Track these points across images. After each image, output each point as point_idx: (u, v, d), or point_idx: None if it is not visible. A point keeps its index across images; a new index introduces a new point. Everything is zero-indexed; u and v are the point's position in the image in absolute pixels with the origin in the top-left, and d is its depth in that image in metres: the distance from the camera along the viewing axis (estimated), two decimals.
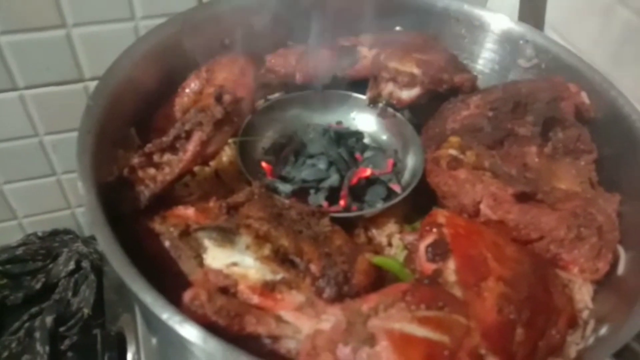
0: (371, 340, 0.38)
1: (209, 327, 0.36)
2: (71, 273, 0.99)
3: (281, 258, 0.43)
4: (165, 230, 0.45)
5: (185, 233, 0.45)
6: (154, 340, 0.58)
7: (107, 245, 0.39)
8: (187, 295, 0.39)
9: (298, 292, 0.41)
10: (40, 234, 1.03)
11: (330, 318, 0.40)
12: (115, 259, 0.38)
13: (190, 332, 0.35)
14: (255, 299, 0.41)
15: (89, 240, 1.04)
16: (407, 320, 0.39)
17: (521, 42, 0.64)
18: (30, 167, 0.93)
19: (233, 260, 0.43)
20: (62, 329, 0.92)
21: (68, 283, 0.97)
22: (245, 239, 0.43)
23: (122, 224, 0.45)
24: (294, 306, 0.41)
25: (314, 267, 0.42)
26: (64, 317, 0.94)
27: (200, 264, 0.44)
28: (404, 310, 0.40)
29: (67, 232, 1.04)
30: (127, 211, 0.46)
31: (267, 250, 0.42)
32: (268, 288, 0.41)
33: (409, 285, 0.42)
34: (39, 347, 0.89)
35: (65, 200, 1.01)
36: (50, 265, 1.00)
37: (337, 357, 0.38)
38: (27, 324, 0.93)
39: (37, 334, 0.91)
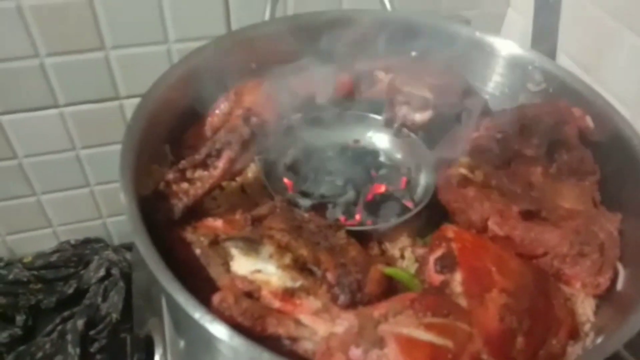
0: (380, 343, 0.41)
1: (235, 327, 0.41)
2: (101, 279, 1.04)
3: (300, 267, 0.47)
4: (196, 239, 0.49)
5: (214, 242, 0.49)
6: (181, 343, 0.62)
7: (146, 250, 0.44)
8: (216, 298, 0.43)
9: (315, 298, 0.45)
10: (73, 242, 1.09)
11: (344, 322, 0.44)
12: (153, 262, 0.42)
13: (219, 330, 0.39)
14: (277, 304, 0.45)
15: (119, 249, 1.10)
16: (414, 325, 0.43)
17: (530, 67, 0.68)
18: (66, 179, 0.99)
19: (257, 268, 0.47)
20: (92, 332, 0.98)
21: (98, 289, 1.03)
22: (268, 248, 0.47)
23: (157, 232, 0.49)
24: (312, 311, 0.45)
25: (330, 276, 0.46)
26: (94, 321, 0.99)
27: (227, 270, 0.48)
28: (412, 316, 0.43)
29: (98, 240, 1.10)
30: (162, 221, 0.51)
31: (288, 259, 0.47)
32: (288, 294, 0.45)
33: (417, 295, 0.46)
34: (70, 349, 0.95)
35: (97, 210, 1.07)
36: (82, 272, 1.06)
37: (350, 357, 0.41)
38: (59, 327, 0.98)
39: (69, 337, 0.96)
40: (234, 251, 0.48)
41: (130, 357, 0.81)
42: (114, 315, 1.00)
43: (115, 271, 1.04)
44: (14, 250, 1.06)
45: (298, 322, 0.44)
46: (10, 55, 0.80)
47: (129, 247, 1.10)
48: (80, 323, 0.97)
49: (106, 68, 0.86)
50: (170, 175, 0.52)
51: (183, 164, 0.53)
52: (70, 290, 1.03)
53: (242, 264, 0.47)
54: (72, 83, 0.86)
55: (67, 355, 0.94)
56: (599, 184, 0.60)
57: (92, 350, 0.96)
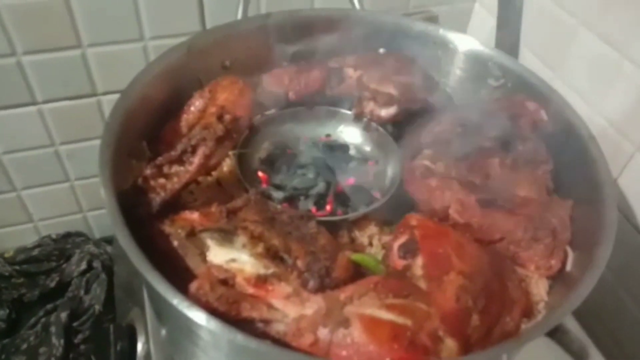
0: (346, 323, 0.45)
1: (211, 312, 0.44)
2: (83, 272, 1.06)
3: (272, 255, 0.50)
4: (174, 231, 0.52)
5: (191, 234, 0.52)
6: (162, 331, 0.65)
7: (126, 243, 0.46)
8: (193, 286, 0.46)
9: (286, 284, 0.49)
10: (54, 236, 1.10)
11: (313, 305, 0.47)
12: (133, 254, 0.45)
13: (196, 315, 0.42)
14: (250, 289, 0.48)
15: (100, 242, 1.11)
16: (376, 306, 0.46)
17: (489, 63, 0.72)
18: (46, 174, 1.00)
19: (232, 257, 0.50)
20: (75, 323, 1.00)
21: (80, 282, 1.05)
22: (242, 238, 0.50)
23: (136, 226, 0.52)
24: (283, 295, 0.48)
25: (300, 263, 0.50)
26: (77, 313, 1.01)
27: (204, 260, 0.51)
28: (375, 298, 0.47)
29: (79, 234, 1.11)
30: (141, 215, 0.53)
31: (260, 248, 0.50)
32: (261, 280, 0.48)
33: (380, 278, 0.50)
34: (54, 340, 0.97)
35: (77, 204, 1.08)
36: (64, 265, 1.07)
37: (318, 337, 0.45)
38: (43, 319, 1.00)
39: (53, 329, 0.98)
40: (210, 242, 0.51)
41: (113, 346, 0.84)
42: (97, 307, 1.02)
43: (96, 264, 1.06)
44: None
45: (270, 306, 0.47)
46: None
47: (110, 241, 1.12)
48: (63, 315, 0.99)
49: (83, 65, 0.87)
50: (148, 171, 0.55)
51: (160, 160, 0.56)
52: (53, 284, 1.05)
53: (218, 254, 0.51)
54: (49, 80, 0.87)
55: (51, 346, 0.96)
56: (552, 173, 0.64)
57: (76, 341, 0.98)
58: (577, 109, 0.79)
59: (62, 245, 1.09)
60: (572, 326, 0.59)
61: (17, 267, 1.05)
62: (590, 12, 0.77)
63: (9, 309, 1.02)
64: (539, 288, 0.59)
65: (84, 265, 1.06)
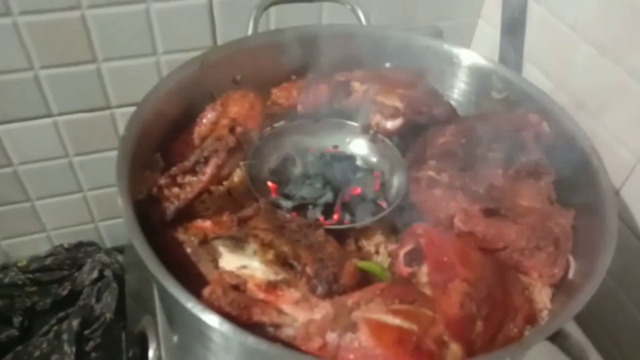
0: (353, 328, 0.46)
1: (223, 316, 0.46)
2: (95, 281, 1.08)
3: (282, 262, 0.52)
4: (187, 239, 0.54)
5: (204, 241, 0.54)
6: (174, 338, 0.67)
7: (142, 249, 0.48)
8: (206, 291, 0.48)
9: (295, 290, 0.50)
10: (66, 245, 1.12)
11: (321, 310, 0.49)
12: (149, 260, 0.47)
13: (209, 318, 0.44)
14: (261, 295, 0.50)
15: (111, 252, 1.14)
16: (383, 311, 0.48)
17: (493, 77, 0.74)
18: (59, 185, 1.03)
19: (243, 264, 0.52)
20: (87, 331, 1.02)
21: (92, 290, 1.07)
22: (252, 246, 0.52)
23: (151, 234, 0.54)
24: (292, 301, 0.50)
25: (309, 269, 0.51)
26: (89, 321, 1.03)
27: (216, 267, 0.53)
28: (381, 304, 0.49)
29: (91, 244, 1.14)
30: (156, 223, 0.56)
31: (270, 255, 0.52)
32: (271, 286, 0.50)
33: (386, 284, 0.52)
34: (66, 347, 0.99)
35: (89, 214, 1.11)
36: (76, 274, 1.10)
37: (326, 341, 0.46)
38: (55, 327, 1.02)
39: (65, 336, 1.00)
40: (222, 249, 0.53)
41: (125, 353, 0.86)
42: (108, 315, 1.04)
43: (107, 273, 1.08)
44: (9, 254, 1.10)
45: (280, 311, 0.49)
46: (6, 68, 0.84)
47: (121, 250, 1.15)
48: (75, 323, 1.01)
49: (98, 79, 0.90)
50: (162, 181, 0.57)
51: (174, 170, 0.58)
52: (65, 292, 1.07)
53: (229, 261, 0.52)
54: (65, 94, 0.90)
55: (63, 354, 0.98)
56: (554, 184, 0.66)
57: (87, 349, 1.00)
58: (579, 120, 0.81)
59: (74, 255, 1.11)
60: (573, 330, 0.61)
61: (30, 276, 1.07)
62: (590, 26, 0.79)
63: (22, 316, 1.04)
64: (542, 296, 0.60)
65: (95, 274, 1.08)
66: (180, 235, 0.55)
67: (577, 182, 0.64)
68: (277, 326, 0.48)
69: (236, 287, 0.50)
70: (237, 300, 0.47)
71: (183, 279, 0.48)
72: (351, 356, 0.45)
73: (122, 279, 1.09)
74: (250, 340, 0.42)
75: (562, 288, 0.60)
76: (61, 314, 1.04)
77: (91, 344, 1.01)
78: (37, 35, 0.82)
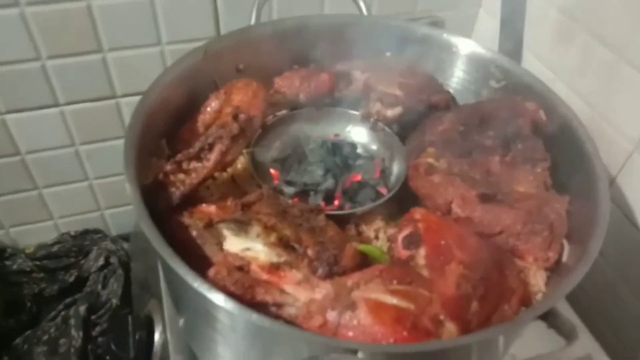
0: (353, 306, 0.48)
1: (228, 295, 0.48)
2: (101, 268, 1.10)
3: (284, 244, 0.54)
4: (193, 223, 0.56)
5: (209, 225, 0.56)
6: (180, 321, 0.69)
7: (150, 232, 0.50)
8: (212, 271, 0.50)
9: (297, 271, 0.52)
10: (73, 233, 1.14)
11: (322, 290, 0.51)
12: (157, 242, 0.49)
13: (215, 296, 0.45)
14: (264, 276, 0.52)
15: (117, 239, 1.16)
16: (381, 291, 0.50)
17: (491, 66, 0.75)
18: (66, 173, 1.05)
19: (247, 246, 0.54)
20: (93, 317, 1.04)
21: (98, 277, 1.09)
22: (256, 229, 0.54)
23: (158, 219, 0.56)
24: (294, 281, 0.51)
25: (310, 252, 0.53)
26: (95, 306, 1.05)
27: (221, 249, 0.54)
28: (380, 284, 0.50)
29: (96, 231, 1.16)
30: (162, 208, 0.57)
31: (273, 238, 0.53)
32: (274, 267, 0.52)
33: (385, 266, 0.53)
34: (73, 332, 1.01)
35: (95, 202, 1.13)
36: (82, 261, 1.12)
37: (327, 319, 0.48)
38: (62, 313, 1.05)
39: (72, 321, 1.02)
40: (226, 232, 0.55)
41: (132, 336, 0.88)
42: (114, 301, 1.06)
43: (113, 260, 1.10)
44: (17, 242, 1.12)
45: (283, 291, 0.51)
46: (14, 58, 0.85)
47: (126, 238, 1.17)
48: (82, 309, 1.03)
49: (103, 69, 0.92)
50: (168, 167, 0.59)
51: (179, 156, 0.60)
52: (72, 279, 1.09)
53: (234, 243, 0.54)
54: (71, 83, 0.91)
55: (70, 338, 1.01)
56: (550, 170, 0.67)
57: (94, 333, 1.02)
58: (578, 109, 0.82)
59: (81, 242, 1.13)
60: (570, 315, 0.63)
61: (37, 263, 1.09)
62: (589, 16, 0.80)
63: (30, 302, 1.06)
64: (537, 279, 0.62)
65: (101, 261, 1.10)
66: (186, 220, 0.56)
67: (572, 168, 0.65)
68: (280, 305, 0.50)
69: (240, 268, 0.52)
70: (241, 280, 0.49)
71: (189, 261, 0.49)
72: (350, 333, 0.47)
73: (128, 266, 1.11)
74: (254, 317, 0.44)
75: (556, 271, 0.61)
76: (68, 300, 1.06)
77: (98, 328, 1.03)
78: (44, 25, 0.84)
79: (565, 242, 0.61)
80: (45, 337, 1.00)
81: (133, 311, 1.02)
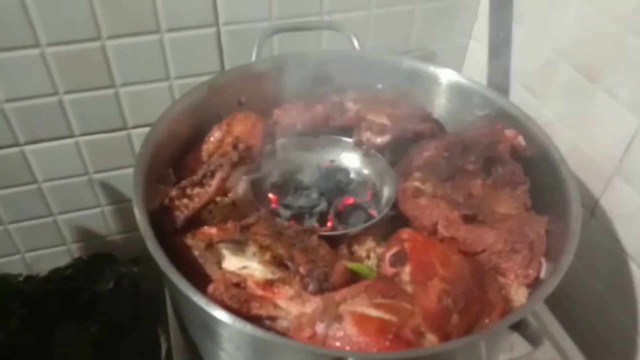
0: (339, 319, 0.53)
1: (225, 309, 0.52)
2: (111, 290, 1.15)
3: (278, 262, 0.58)
4: (195, 243, 0.61)
5: (209, 245, 0.60)
6: (184, 339, 0.73)
7: (155, 252, 0.55)
8: (210, 287, 0.55)
9: (290, 287, 0.57)
10: (85, 257, 1.19)
11: (312, 304, 0.55)
12: (161, 260, 0.54)
13: (213, 309, 0.50)
14: (259, 292, 0.56)
15: (127, 263, 1.21)
16: (366, 305, 0.54)
17: (474, 96, 0.80)
18: (80, 200, 1.10)
19: (244, 265, 0.59)
20: (104, 337, 1.08)
21: (109, 298, 1.14)
22: (252, 248, 0.59)
23: (164, 240, 0.61)
24: (287, 297, 0.56)
25: (302, 269, 0.58)
26: (106, 327, 1.10)
27: (220, 267, 0.59)
28: (365, 298, 0.55)
29: (108, 255, 1.20)
30: (168, 230, 0.62)
31: (268, 256, 0.58)
32: (268, 284, 0.57)
33: (370, 281, 0.58)
34: (85, 352, 1.05)
35: (107, 228, 1.18)
36: (94, 284, 1.17)
37: (315, 330, 0.53)
38: (75, 334, 1.09)
39: (84, 342, 1.06)
40: (225, 252, 0.60)
41: (141, 355, 0.92)
42: (124, 322, 1.10)
43: (124, 283, 1.15)
44: (31, 266, 1.17)
45: (276, 305, 0.55)
46: (34, 93, 0.92)
47: (136, 261, 1.22)
48: (93, 329, 1.08)
49: (116, 102, 0.97)
50: (174, 192, 0.64)
51: (183, 183, 0.65)
52: (84, 301, 1.14)
53: (232, 262, 0.59)
54: (86, 116, 0.97)
55: (83, 358, 1.05)
56: (530, 192, 0.71)
57: (105, 352, 1.06)
58: (562, 135, 0.88)
59: (93, 266, 1.18)
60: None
61: (51, 286, 1.15)
62: (568, 47, 0.86)
63: (44, 323, 1.11)
64: (519, 295, 0.65)
65: (112, 284, 1.15)
66: (189, 241, 0.61)
67: (550, 190, 0.70)
68: (273, 319, 0.55)
69: (237, 285, 0.56)
70: (238, 295, 0.54)
71: (191, 279, 0.54)
72: (337, 344, 0.51)
73: (137, 288, 1.16)
74: (248, 328, 0.49)
75: (536, 287, 0.65)
76: (80, 321, 1.10)
77: (108, 349, 1.07)
78: (62, 63, 0.90)
79: (543, 259, 0.65)
80: (59, 357, 1.05)
81: (141, 331, 1.07)
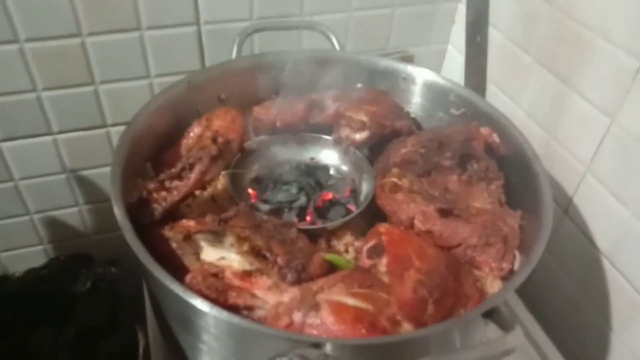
0: (317, 307, 0.53)
1: (203, 298, 0.52)
2: (89, 291, 1.14)
3: (256, 253, 0.59)
4: (173, 235, 0.61)
5: (187, 237, 0.60)
6: (161, 334, 0.73)
7: (134, 244, 0.55)
8: (188, 277, 0.55)
9: (268, 277, 0.57)
10: (62, 257, 1.18)
11: (290, 294, 0.56)
12: (139, 251, 0.54)
13: (190, 296, 0.50)
14: (237, 282, 0.56)
15: (105, 264, 1.19)
16: (343, 294, 0.55)
17: (450, 95, 0.82)
18: (57, 199, 1.09)
19: (221, 256, 0.59)
20: (81, 340, 1.07)
21: (87, 300, 1.12)
22: (230, 239, 0.59)
23: (142, 233, 0.60)
24: (264, 287, 0.56)
25: (280, 260, 0.58)
26: (84, 329, 1.08)
27: (198, 259, 0.60)
28: (342, 288, 0.55)
29: (85, 256, 1.19)
30: (145, 222, 0.62)
31: (246, 247, 0.58)
32: (246, 274, 0.57)
33: (347, 272, 0.58)
34: (62, 355, 1.03)
35: (85, 228, 1.17)
36: (71, 285, 1.15)
37: (293, 319, 0.53)
38: (51, 336, 1.07)
39: (61, 344, 1.05)
40: (203, 243, 0.60)
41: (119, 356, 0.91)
42: (102, 324, 1.09)
43: (102, 284, 1.14)
44: (7, 267, 1.15)
45: (253, 295, 0.55)
46: (12, 89, 0.91)
47: (114, 262, 1.20)
48: (70, 331, 1.06)
49: (95, 100, 0.97)
50: (152, 185, 0.64)
51: (162, 176, 0.65)
52: (61, 303, 1.12)
53: (210, 253, 0.59)
54: (65, 113, 0.97)
55: None
56: (504, 188, 0.73)
57: (83, 355, 1.05)
58: (535, 134, 0.90)
59: (70, 266, 1.16)
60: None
61: (27, 288, 1.13)
62: (541, 50, 0.88)
63: (20, 326, 1.09)
64: (494, 287, 0.66)
65: (89, 285, 1.13)
66: (167, 233, 0.61)
67: (523, 186, 0.71)
68: (250, 308, 0.55)
69: (215, 275, 0.57)
70: (215, 284, 0.54)
71: (169, 271, 0.54)
72: (314, 332, 0.52)
73: (116, 290, 1.14)
74: (224, 315, 0.49)
75: (510, 280, 0.67)
76: (57, 324, 1.09)
77: (86, 351, 1.06)
78: (41, 60, 0.90)
79: (517, 253, 0.67)
80: None
81: (120, 332, 1.06)
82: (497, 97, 1.01)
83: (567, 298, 0.92)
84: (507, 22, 0.96)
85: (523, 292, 0.95)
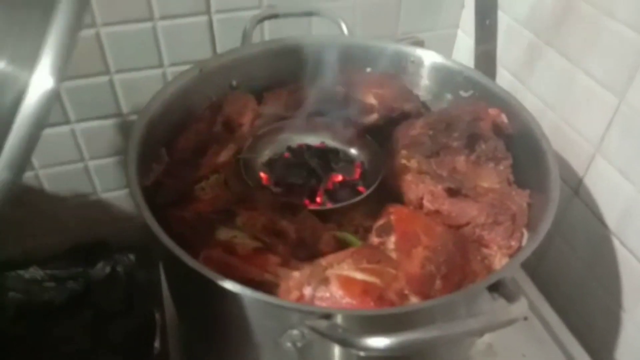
0: (326, 281, 0.55)
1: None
2: (107, 277, 1.17)
3: (267, 231, 0.61)
4: (187, 214, 0.63)
5: (201, 216, 0.63)
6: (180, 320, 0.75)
7: (150, 222, 0.57)
8: (203, 254, 0.57)
9: (279, 255, 0.59)
10: (80, 245, 1.21)
11: (300, 270, 0.57)
12: (157, 230, 0.56)
13: (205, 270, 0.52)
14: (249, 259, 0.58)
15: (123, 251, 1.23)
16: (352, 269, 0.56)
17: (459, 77, 0.83)
18: (76, 188, 1.12)
19: (234, 234, 0.61)
20: (99, 323, 1.10)
21: (104, 285, 1.16)
22: (242, 218, 0.61)
23: (157, 214, 0.62)
24: (276, 263, 0.58)
25: (290, 237, 0.60)
26: (101, 314, 1.12)
27: (211, 237, 0.62)
28: (351, 263, 0.57)
29: (104, 243, 1.22)
30: (160, 203, 0.65)
31: (257, 225, 0.60)
32: (258, 252, 0.59)
33: (356, 248, 0.60)
34: (80, 338, 1.07)
35: (104, 215, 1.20)
36: (90, 271, 1.18)
37: (303, 293, 0.55)
38: (70, 320, 1.11)
39: (79, 328, 1.08)
40: (216, 222, 0.62)
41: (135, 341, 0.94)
42: (119, 308, 1.12)
43: (119, 269, 1.17)
44: (29, 253, 1.19)
45: (265, 271, 0.57)
46: None
47: (131, 249, 1.23)
48: (89, 315, 1.09)
49: (110, 90, 0.99)
50: (166, 168, 0.67)
51: (176, 159, 0.68)
52: (79, 287, 1.16)
53: (222, 232, 0.61)
54: (81, 103, 0.99)
55: (77, 344, 1.07)
56: (512, 167, 0.74)
57: (101, 338, 1.08)
58: (545, 116, 0.90)
59: (89, 253, 1.20)
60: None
61: (48, 272, 1.16)
62: (550, 32, 0.88)
63: (40, 309, 1.12)
64: (502, 265, 0.68)
65: (107, 271, 1.17)
66: (180, 212, 0.63)
67: (531, 165, 0.72)
68: (261, 284, 0.57)
69: (228, 252, 0.58)
70: (228, 261, 0.56)
71: (184, 249, 0.56)
72: (324, 304, 0.54)
73: (132, 276, 1.17)
74: (239, 288, 0.51)
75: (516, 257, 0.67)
76: (76, 307, 1.12)
77: (103, 334, 1.09)
78: None
79: (525, 231, 0.67)
80: (53, 344, 1.06)
81: (136, 317, 1.09)
82: (507, 80, 1.01)
83: (577, 279, 0.92)
84: (515, 4, 0.96)
85: (535, 275, 0.96)
